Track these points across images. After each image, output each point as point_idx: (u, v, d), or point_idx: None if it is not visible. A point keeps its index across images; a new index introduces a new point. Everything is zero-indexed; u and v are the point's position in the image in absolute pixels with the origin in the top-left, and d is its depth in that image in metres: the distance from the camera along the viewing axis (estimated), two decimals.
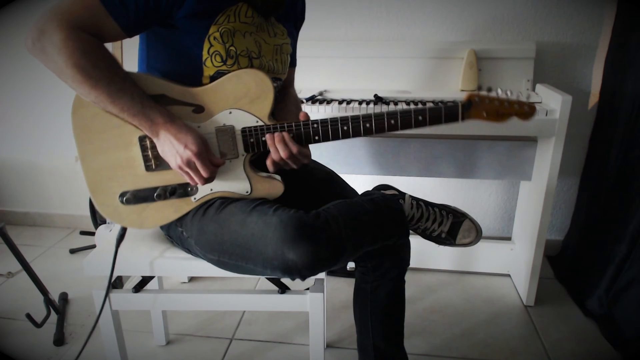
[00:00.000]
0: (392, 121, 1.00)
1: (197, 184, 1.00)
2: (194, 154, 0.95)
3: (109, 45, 0.94)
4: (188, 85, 1.00)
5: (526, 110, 1.01)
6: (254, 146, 1.03)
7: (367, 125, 1.01)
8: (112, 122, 0.97)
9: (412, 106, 1.52)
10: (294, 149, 1.00)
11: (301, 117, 1.02)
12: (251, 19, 1.03)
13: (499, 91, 1.02)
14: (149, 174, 1.03)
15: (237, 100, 1.00)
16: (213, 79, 1.01)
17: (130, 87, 0.93)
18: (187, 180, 1.00)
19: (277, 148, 1.00)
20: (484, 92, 1.01)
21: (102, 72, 0.89)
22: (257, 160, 1.09)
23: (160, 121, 0.95)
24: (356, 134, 1.01)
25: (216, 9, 0.98)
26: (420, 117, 1.00)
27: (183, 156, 0.95)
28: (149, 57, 1.04)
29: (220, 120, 1.01)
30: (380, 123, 1.00)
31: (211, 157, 0.99)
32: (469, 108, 1.00)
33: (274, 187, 1.06)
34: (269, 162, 1.04)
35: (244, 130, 1.02)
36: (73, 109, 0.99)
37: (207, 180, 1.00)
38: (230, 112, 1.01)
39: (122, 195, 1.04)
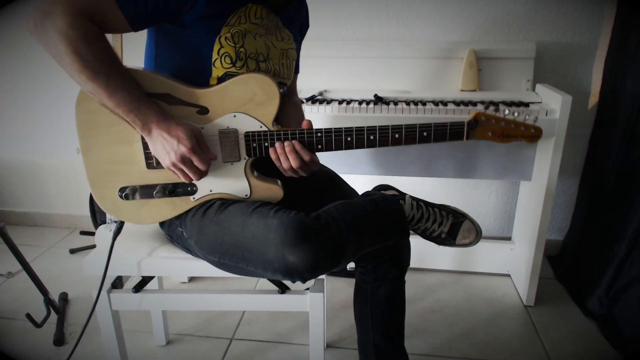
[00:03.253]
0: (397, 135, 1.00)
1: (191, 180, 0.99)
2: (188, 150, 0.93)
3: (109, 39, 0.93)
4: (194, 85, 1.00)
5: (532, 133, 1.01)
6: (256, 151, 1.02)
7: (371, 137, 1.00)
8: (116, 117, 0.97)
9: (412, 106, 1.54)
10: (306, 156, 1.00)
11: (304, 125, 1.01)
12: (260, 20, 1.03)
13: (507, 111, 1.01)
14: (150, 171, 1.03)
15: (243, 104, 1.00)
16: (221, 80, 1.00)
17: (129, 83, 0.92)
18: (181, 177, 0.99)
19: (288, 157, 1.00)
20: (490, 112, 0.99)
21: (101, 64, 0.88)
22: (259, 162, 1.09)
23: (154, 120, 0.94)
24: (360, 145, 1.01)
25: (228, 11, 0.97)
26: (425, 133, 1.00)
27: (177, 152, 0.94)
28: (157, 54, 1.03)
29: (224, 123, 1.01)
30: (385, 136, 1.00)
31: (205, 150, 0.98)
32: (475, 127, 1.00)
33: (274, 191, 1.06)
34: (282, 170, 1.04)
35: (247, 134, 1.02)
36: (77, 102, 0.99)
37: (202, 175, 0.99)
38: (234, 116, 1.01)
39: (121, 190, 1.04)
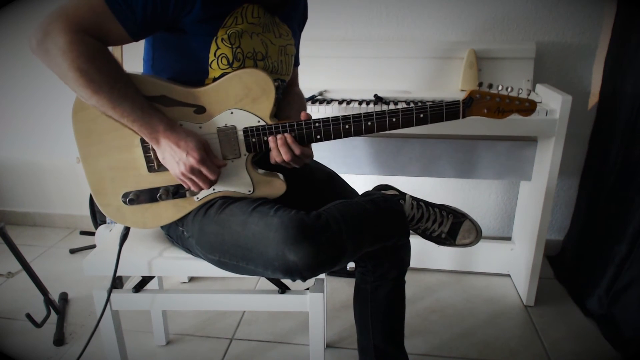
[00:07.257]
0: (394, 119, 1.00)
1: (201, 189, 1.00)
2: (197, 161, 0.94)
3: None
4: (191, 86, 1.00)
5: (527, 107, 1.02)
6: (255, 146, 1.03)
7: (369, 123, 1.01)
8: (114, 124, 0.97)
9: (412, 106, 1.53)
10: (297, 150, 1.01)
11: (302, 117, 1.02)
12: (258, 19, 1.03)
13: (500, 87, 1.02)
14: (152, 174, 1.03)
15: (239, 100, 1.00)
16: (216, 80, 1.00)
17: (132, 93, 0.93)
18: (191, 186, 0.99)
19: (280, 151, 1.01)
20: (484, 89, 1.00)
21: (104, 77, 0.88)
22: (259, 158, 1.09)
23: (160, 128, 0.94)
24: (358, 132, 1.02)
25: (224, 13, 0.97)
26: (421, 115, 1.00)
27: (186, 164, 0.94)
28: (154, 58, 1.03)
29: (221, 120, 1.01)
30: (382, 121, 1.01)
31: (213, 159, 0.99)
32: (470, 105, 1.00)
33: (276, 186, 1.06)
34: (273, 162, 1.04)
35: (245, 130, 1.02)
36: (74, 111, 0.98)
37: (212, 184, 1.00)
38: (231, 113, 1.01)
39: (124, 195, 1.04)
